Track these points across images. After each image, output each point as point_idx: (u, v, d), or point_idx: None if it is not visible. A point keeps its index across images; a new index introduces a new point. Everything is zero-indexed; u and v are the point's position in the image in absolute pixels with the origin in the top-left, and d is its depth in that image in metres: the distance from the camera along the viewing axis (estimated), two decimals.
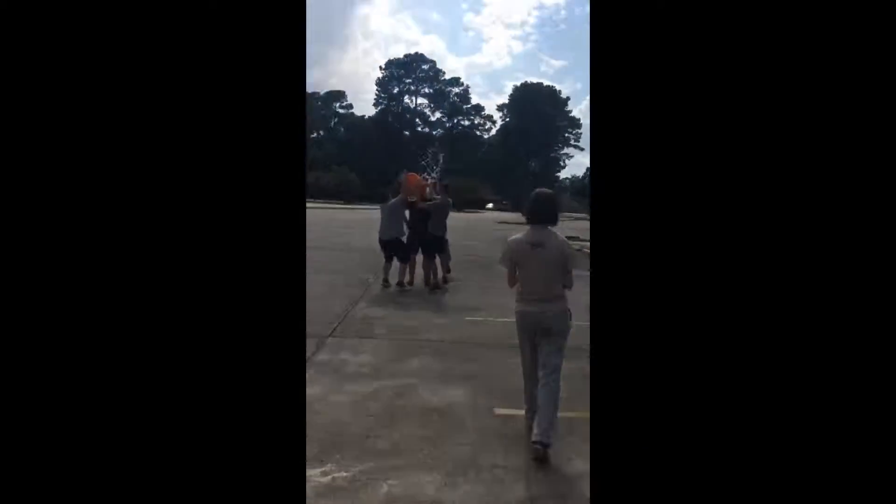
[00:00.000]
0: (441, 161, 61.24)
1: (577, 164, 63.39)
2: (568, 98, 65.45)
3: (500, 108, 65.82)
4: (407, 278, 6.20)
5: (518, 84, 65.54)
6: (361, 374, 3.21)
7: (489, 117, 65.24)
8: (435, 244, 6.09)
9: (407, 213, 6.25)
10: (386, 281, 6.06)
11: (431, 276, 6.16)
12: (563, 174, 66.55)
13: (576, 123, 63.71)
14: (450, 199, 6.35)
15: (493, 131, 65.17)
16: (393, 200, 6.13)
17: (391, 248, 6.08)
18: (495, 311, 4.98)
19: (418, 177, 6.59)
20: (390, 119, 61.76)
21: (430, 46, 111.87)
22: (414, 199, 6.23)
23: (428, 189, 6.43)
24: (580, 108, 67.14)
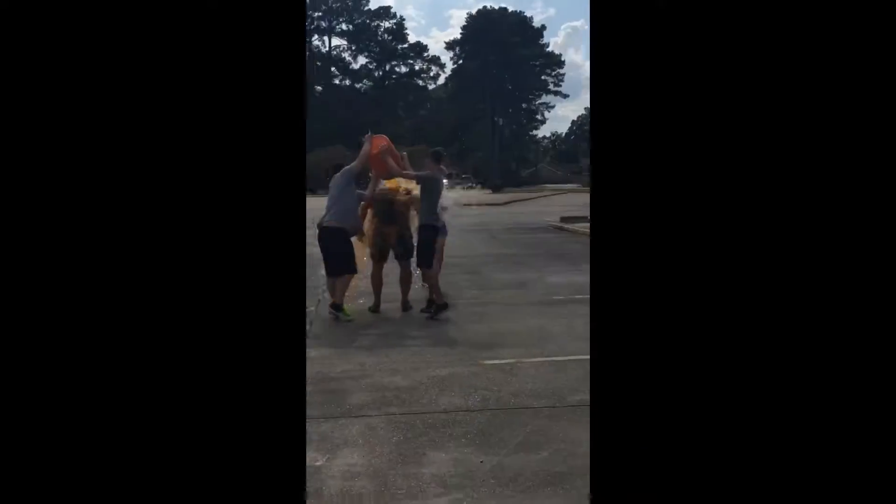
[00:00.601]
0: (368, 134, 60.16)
1: (558, 116, 63.70)
2: (543, 27, 66.40)
3: (449, 45, 65.56)
4: (373, 302, 5.88)
5: (473, 12, 65.41)
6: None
7: (436, 60, 65.04)
8: (427, 242, 5.56)
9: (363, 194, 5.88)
10: (336, 307, 5.51)
11: (431, 293, 5.67)
12: (542, 131, 67.18)
13: (555, 61, 64.60)
14: (445, 171, 6.02)
15: (442, 79, 65.00)
16: (344, 170, 5.74)
17: (333, 243, 5.46)
18: (518, 343, 4.72)
19: (389, 143, 5.89)
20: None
21: None
22: (383, 180, 5.91)
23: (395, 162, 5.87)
24: (557, 41, 67.62)
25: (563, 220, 15.40)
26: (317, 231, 5.27)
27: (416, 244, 5.70)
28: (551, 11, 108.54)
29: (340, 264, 5.43)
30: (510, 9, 65.61)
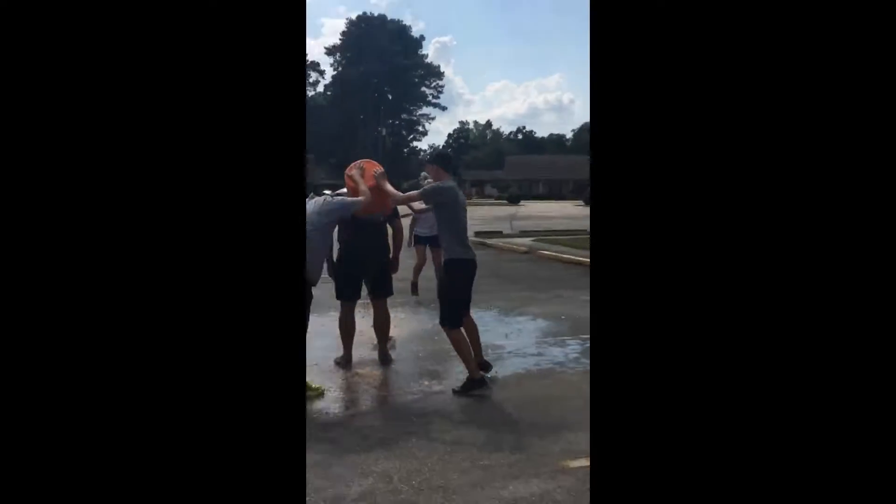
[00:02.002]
0: None
1: (437, 130, 63.91)
2: (422, 37, 66.24)
3: (329, 51, 63.24)
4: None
5: (354, 17, 63.51)
6: None
7: (315, 65, 62.25)
8: (459, 285, 3.78)
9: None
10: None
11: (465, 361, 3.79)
12: (422, 143, 66.50)
13: (434, 72, 64.32)
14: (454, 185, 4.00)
15: (321, 86, 62.38)
16: (332, 209, 3.81)
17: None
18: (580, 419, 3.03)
19: (380, 168, 4.02)
20: None
21: None
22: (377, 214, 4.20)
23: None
24: (428, 54, 67.77)
25: (479, 234, 14.26)
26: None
27: (441, 288, 4.01)
28: (421, 25, 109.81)
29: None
30: (388, 17, 64.93)
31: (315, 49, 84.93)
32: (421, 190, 3.94)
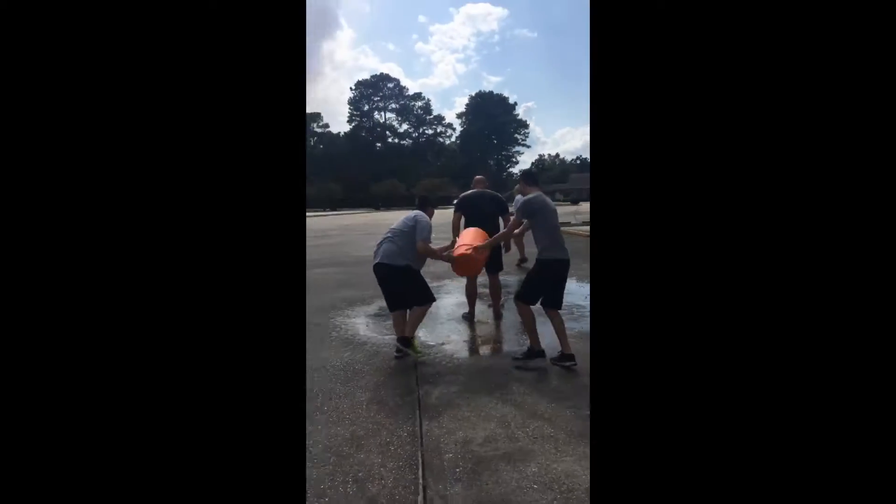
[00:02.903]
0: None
1: (524, 161, 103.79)
2: (515, 103, 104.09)
3: (458, 116, 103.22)
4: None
5: (473, 94, 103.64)
6: None
7: (449, 125, 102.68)
8: (551, 280, 4.02)
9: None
10: (405, 341, 4.24)
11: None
12: (514, 169, 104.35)
13: (523, 125, 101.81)
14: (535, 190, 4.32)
15: (454, 137, 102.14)
16: (425, 223, 4.37)
17: (386, 281, 4.29)
18: None
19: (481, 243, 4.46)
20: (363, 133, 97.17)
21: (390, 74, 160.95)
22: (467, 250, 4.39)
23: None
24: (523, 112, 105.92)
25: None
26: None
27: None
28: (515, 96, 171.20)
29: (395, 301, 4.33)
30: (495, 91, 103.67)
31: (450, 115, 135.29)
32: (515, 210, 4.31)
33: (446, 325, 5.36)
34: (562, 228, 4.14)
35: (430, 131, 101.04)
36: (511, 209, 5.23)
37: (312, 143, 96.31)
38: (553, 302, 3.94)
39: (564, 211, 26.73)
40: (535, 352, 4.03)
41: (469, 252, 4.24)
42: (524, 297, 4.00)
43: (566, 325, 4.06)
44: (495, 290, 5.61)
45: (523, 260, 8.94)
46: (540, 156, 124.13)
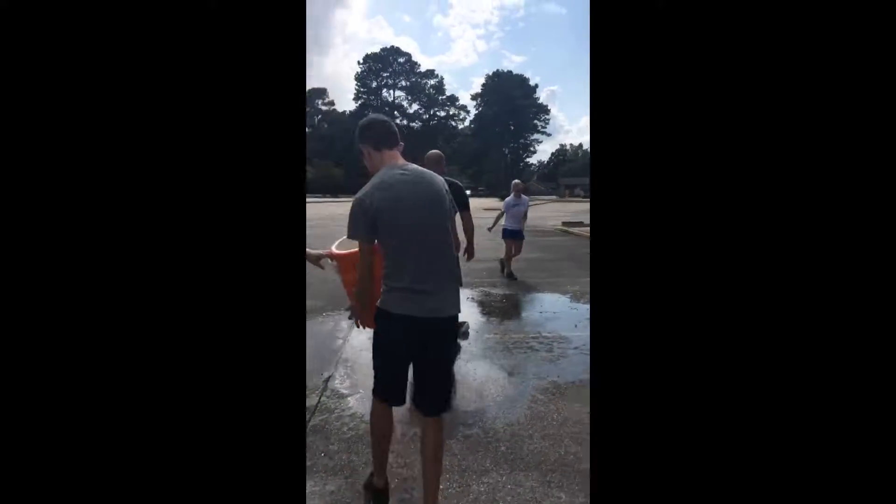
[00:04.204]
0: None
1: (543, 150, 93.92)
2: (536, 85, 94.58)
3: (473, 97, 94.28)
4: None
5: (490, 73, 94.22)
6: None
7: (463, 107, 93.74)
8: None
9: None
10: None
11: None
12: (532, 159, 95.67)
13: (543, 110, 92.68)
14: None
15: (467, 121, 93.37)
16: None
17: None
18: None
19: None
20: (369, 113, 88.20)
21: (404, 48, 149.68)
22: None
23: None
24: (540, 97, 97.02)
25: (565, 224, 17.56)
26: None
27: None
28: (538, 78, 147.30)
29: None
30: (514, 72, 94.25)
31: (465, 98, 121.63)
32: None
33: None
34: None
35: (442, 113, 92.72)
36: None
37: (316, 122, 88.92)
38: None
39: (582, 208, 25.61)
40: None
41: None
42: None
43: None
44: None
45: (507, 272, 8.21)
46: (561, 145, 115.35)
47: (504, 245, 8.57)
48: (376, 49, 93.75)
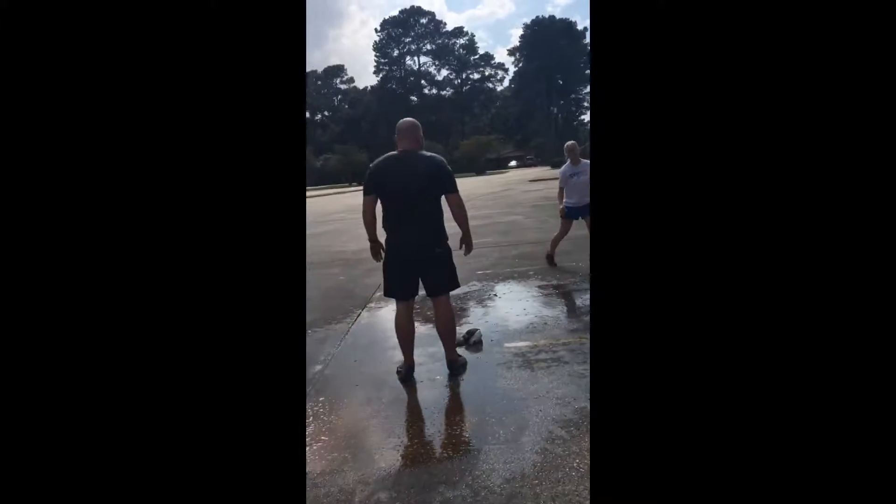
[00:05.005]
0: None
1: None
2: (585, 29, 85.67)
3: (510, 52, 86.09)
4: None
5: (528, 21, 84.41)
6: None
7: (501, 66, 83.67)
8: None
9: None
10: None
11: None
12: (587, 117, 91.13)
13: None
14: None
15: (507, 81, 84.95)
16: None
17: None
18: None
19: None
20: (393, 86, 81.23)
21: (429, 6, 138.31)
22: None
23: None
24: None
25: None
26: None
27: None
28: (587, 21, 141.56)
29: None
30: (558, 17, 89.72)
31: (502, 55, 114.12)
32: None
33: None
34: None
35: (476, 76, 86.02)
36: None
37: (336, 104, 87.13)
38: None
39: None
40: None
41: None
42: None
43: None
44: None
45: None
46: None
47: (560, 226, 6.93)
48: (395, 13, 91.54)
